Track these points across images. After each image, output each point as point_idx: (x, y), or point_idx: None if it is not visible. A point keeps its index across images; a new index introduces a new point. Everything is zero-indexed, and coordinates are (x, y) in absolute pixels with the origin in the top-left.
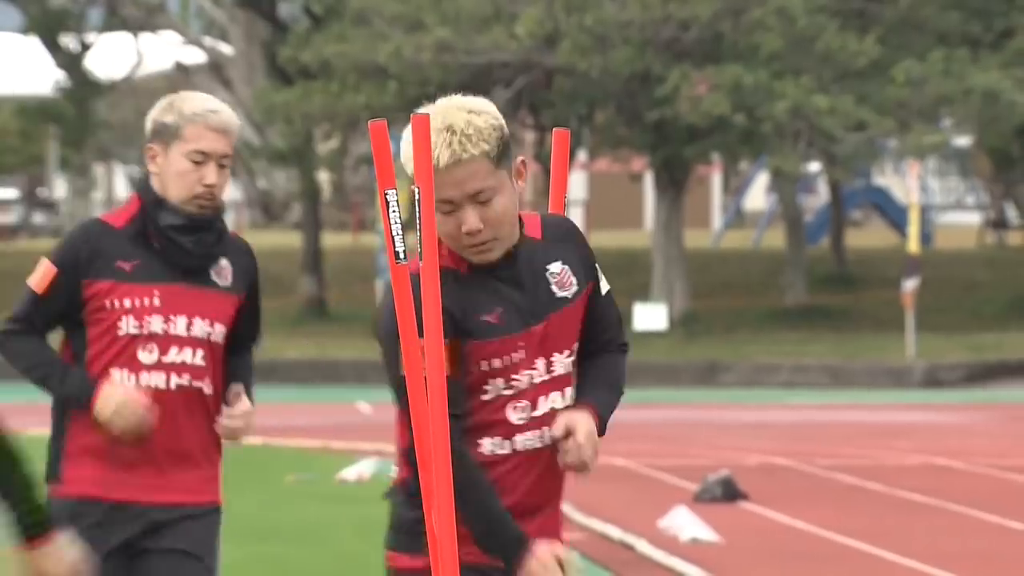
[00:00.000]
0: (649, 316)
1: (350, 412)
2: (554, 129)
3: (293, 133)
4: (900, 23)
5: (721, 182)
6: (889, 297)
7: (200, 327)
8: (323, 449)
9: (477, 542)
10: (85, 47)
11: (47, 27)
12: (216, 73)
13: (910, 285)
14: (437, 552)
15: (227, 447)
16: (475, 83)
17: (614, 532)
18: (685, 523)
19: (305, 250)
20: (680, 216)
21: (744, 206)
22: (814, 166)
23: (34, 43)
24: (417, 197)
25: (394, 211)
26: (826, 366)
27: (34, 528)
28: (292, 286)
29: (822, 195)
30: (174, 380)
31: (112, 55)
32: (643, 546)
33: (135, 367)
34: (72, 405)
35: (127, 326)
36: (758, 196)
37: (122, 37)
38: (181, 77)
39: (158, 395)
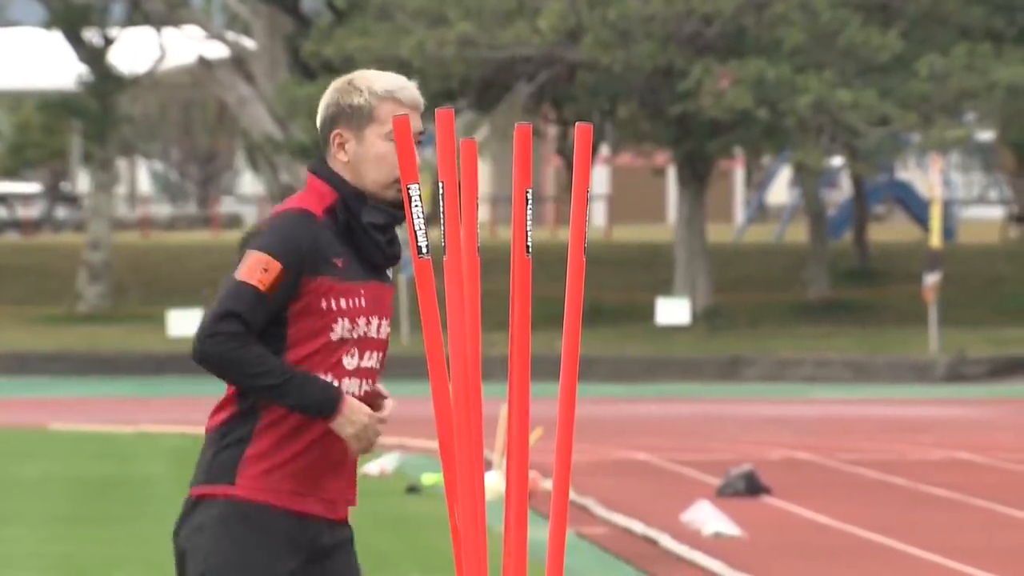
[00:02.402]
0: (672, 310)
1: None
2: (576, 124)
3: (315, 127)
4: (923, 17)
5: (744, 176)
6: (912, 291)
7: (384, 328)
8: None
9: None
10: (108, 41)
11: (70, 22)
12: (239, 67)
13: (931, 279)
14: (461, 548)
15: None
16: (498, 77)
17: (637, 527)
18: (708, 517)
19: None
20: (703, 210)
21: (767, 200)
22: (837, 160)
23: (57, 38)
24: (441, 191)
25: (416, 205)
26: (849, 360)
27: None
28: None
29: (845, 189)
30: (364, 386)
31: (135, 49)
32: (666, 540)
33: (339, 372)
34: (304, 413)
35: (341, 329)
36: (781, 190)
37: (145, 31)
38: (204, 71)
39: None
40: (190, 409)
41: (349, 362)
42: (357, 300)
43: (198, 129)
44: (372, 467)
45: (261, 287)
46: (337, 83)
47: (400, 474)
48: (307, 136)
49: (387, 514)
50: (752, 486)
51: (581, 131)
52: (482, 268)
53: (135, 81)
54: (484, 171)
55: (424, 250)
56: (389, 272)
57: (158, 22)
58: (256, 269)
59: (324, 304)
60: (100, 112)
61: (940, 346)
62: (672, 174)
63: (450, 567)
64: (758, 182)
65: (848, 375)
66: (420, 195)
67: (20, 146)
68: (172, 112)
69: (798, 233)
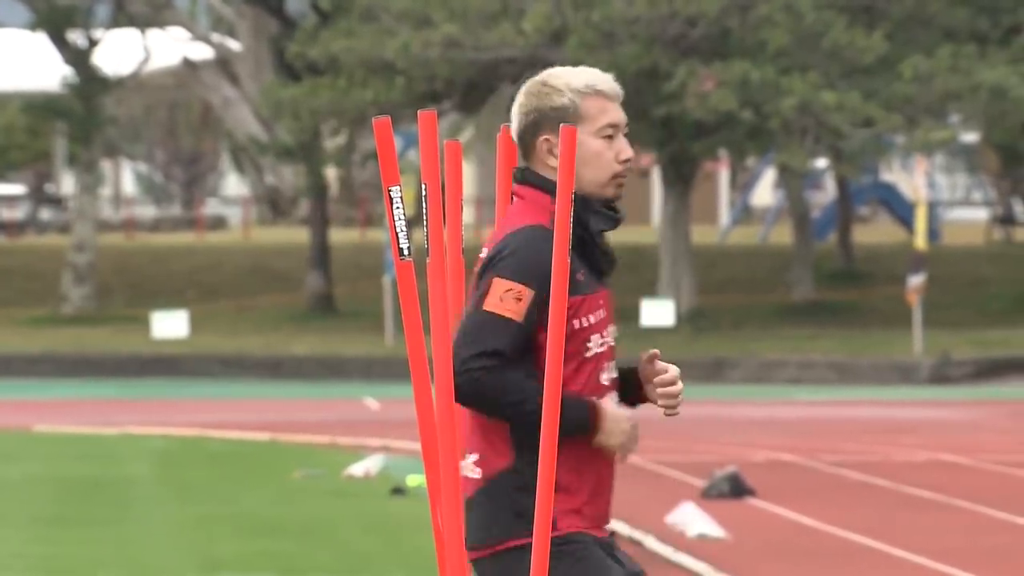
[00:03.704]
0: (656, 312)
1: (357, 408)
2: (561, 126)
3: (300, 129)
4: (907, 19)
5: (728, 178)
6: (896, 293)
7: (615, 334)
8: (330, 445)
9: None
10: (92, 43)
11: (55, 23)
12: (223, 69)
13: (915, 281)
14: (444, 550)
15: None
16: (482, 79)
17: (622, 528)
18: (692, 519)
19: (312, 246)
20: (687, 212)
21: (751, 202)
22: (821, 162)
23: (42, 39)
24: (424, 193)
25: (398, 207)
26: (833, 362)
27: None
28: (299, 282)
29: (829, 191)
30: (616, 397)
31: (119, 51)
32: (651, 542)
33: (601, 390)
34: (567, 435)
35: (595, 345)
36: (765, 192)
37: (129, 33)
38: (188, 73)
39: None
40: (174, 411)
41: (606, 377)
42: (600, 312)
43: (183, 131)
44: (357, 469)
45: (516, 317)
46: (530, 87)
47: (385, 476)
48: (292, 138)
49: (371, 516)
50: (736, 488)
51: (565, 133)
52: (466, 270)
53: (120, 83)
54: (469, 173)
55: (406, 252)
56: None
57: (143, 24)
58: (508, 298)
59: (576, 323)
60: (85, 114)
61: (924, 348)
62: (657, 175)
63: (434, 568)
64: (743, 184)
65: (832, 377)
66: (401, 197)
67: (4, 148)
68: (157, 114)
69: (782, 235)
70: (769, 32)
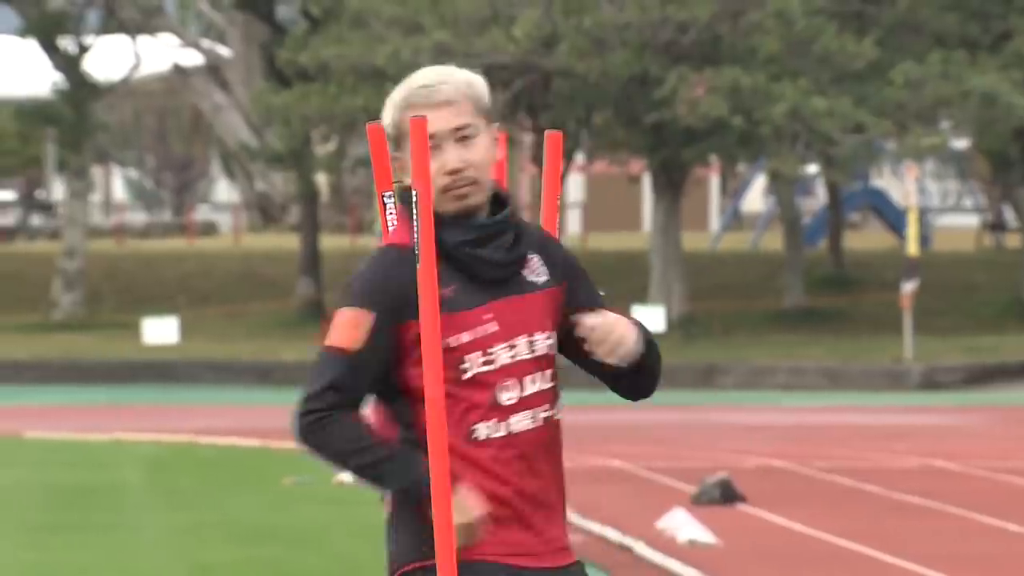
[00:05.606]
0: (647, 318)
1: None
2: (546, 132)
3: (291, 135)
4: (898, 25)
5: (719, 184)
6: (887, 299)
7: (542, 342)
8: None
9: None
10: (83, 49)
11: (45, 29)
12: (214, 75)
13: (909, 287)
14: (440, 546)
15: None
16: None
17: (612, 534)
18: (683, 525)
19: (303, 252)
20: (678, 218)
21: (742, 208)
22: (812, 168)
23: (32, 45)
24: (415, 199)
25: (391, 213)
26: (824, 368)
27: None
28: (290, 288)
29: (820, 197)
30: (540, 413)
31: (110, 57)
32: (641, 548)
33: (500, 413)
34: (407, 496)
35: (472, 366)
36: (756, 198)
37: (120, 39)
38: (179, 79)
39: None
40: (165, 417)
41: (508, 397)
42: (483, 327)
43: (173, 137)
44: (347, 475)
45: (352, 347)
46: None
47: None
48: (282, 144)
49: (361, 521)
50: (727, 494)
51: (551, 139)
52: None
53: (110, 89)
54: None
55: None
56: (538, 277)
57: (133, 30)
58: (344, 328)
59: (446, 343)
60: (75, 120)
61: (914, 354)
62: (647, 182)
63: None
64: (733, 190)
65: (823, 383)
66: (395, 202)
67: None
68: (147, 120)
69: (773, 241)
70: (760, 38)
